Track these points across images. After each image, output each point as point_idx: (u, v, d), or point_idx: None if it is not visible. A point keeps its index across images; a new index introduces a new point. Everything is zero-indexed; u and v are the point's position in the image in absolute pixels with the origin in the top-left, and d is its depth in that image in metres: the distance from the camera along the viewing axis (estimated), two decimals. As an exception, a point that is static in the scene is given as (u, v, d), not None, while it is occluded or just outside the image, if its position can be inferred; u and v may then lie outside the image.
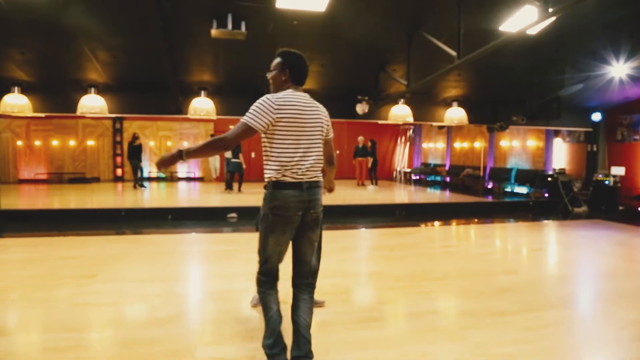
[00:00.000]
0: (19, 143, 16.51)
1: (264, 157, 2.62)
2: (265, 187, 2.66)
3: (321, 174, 2.73)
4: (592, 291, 4.77)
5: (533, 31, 6.47)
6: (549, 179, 12.10)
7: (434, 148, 19.83)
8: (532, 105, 10.18)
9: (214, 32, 5.95)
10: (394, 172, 20.84)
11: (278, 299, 2.76)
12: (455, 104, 10.10)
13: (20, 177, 16.51)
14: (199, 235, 7.40)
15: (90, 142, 17.06)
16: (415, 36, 6.77)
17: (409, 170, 20.10)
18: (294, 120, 2.55)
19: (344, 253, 6.04)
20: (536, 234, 7.90)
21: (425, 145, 20.61)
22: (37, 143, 16.67)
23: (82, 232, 7.25)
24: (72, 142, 16.92)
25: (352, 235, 7.55)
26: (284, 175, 2.54)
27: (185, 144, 17.61)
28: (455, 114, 10.05)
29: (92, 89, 8.09)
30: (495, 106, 10.72)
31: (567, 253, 6.50)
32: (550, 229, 8.60)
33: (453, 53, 5.67)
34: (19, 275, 4.76)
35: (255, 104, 2.53)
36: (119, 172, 17.19)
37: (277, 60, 2.72)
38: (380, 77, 8.44)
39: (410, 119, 9.58)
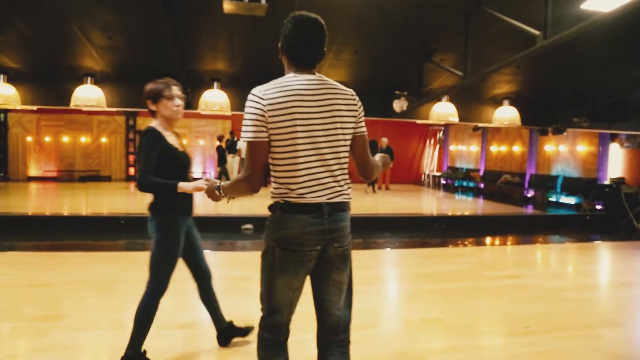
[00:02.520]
0: (29, 139, 15.82)
1: (270, 169, 1.90)
2: (270, 210, 1.91)
3: (349, 191, 1.94)
4: None
5: (608, 7, 5.07)
6: (607, 189, 10.63)
7: (465, 151, 18.40)
8: (597, 106, 8.74)
9: (227, 5, 4.74)
10: (422, 176, 19.50)
11: None
12: (506, 102, 8.73)
13: (29, 175, 15.83)
14: (209, 254, 6.20)
15: (103, 139, 16.26)
16: (474, 15, 5.47)
17: (438, 174, 18.75)
18: (294, 117, 1.80)
19: (383, 283, 4.79)
20: (615, 260, 6.51)
21: (453, 147, 19.20)
22: (47, 139, 15.96)
23: (72, 245, 6.17)
24: (83, 139, 16.15)
25: (385, 258, 6.28)
26: (293, 194, 1.82)
27: (202, 143, 16.66)
28: (506, 114, 8.68)
29: (89, 79, 6.99)
30: (552, 106, 9.30)
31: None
32: (627, 252, 7.16)
33: (536, 32, 4.36)
34: (-34, 314, 3.64)
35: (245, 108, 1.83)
36: (131, 171, 16.33)
37: None
38: (424, 68, 7.14)
39: (455, 119, 8.25)
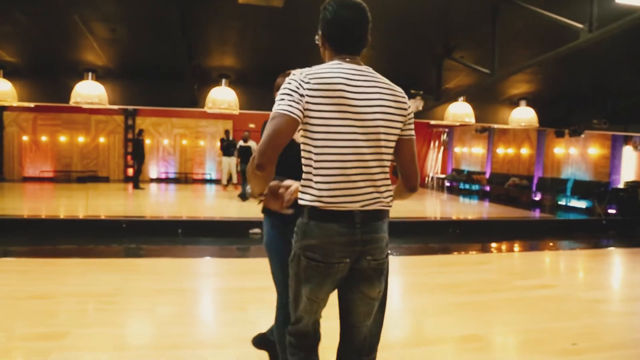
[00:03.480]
0: (25, 138, 15.42)
1: (303, 169, 1.71)
2: (299, 214, 1.73)
3: (389, 198, 1.75)
4: None
5: None
6: (622, 193, 10.33)
7: (469, 153, 18.08)
8: (617, 107, 8.43)
9: (242, -6, 4.42)
10: (426, 178, 19.19)
11: None
12: (523, 102, 8.40)
13: (25, 175, 15.42)
14: (215, 261, 5.85)
15: (101, 139, 15.86)
16: (501, 7, 5.13)
17: (442, 176, 18.45)
18: (329, 107, 1.60)
19: (410, 295, 4.44)
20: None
21: (457, 149, 18.90)
22: (44, 139, 15.56)
23: (70, 251, 5.78)
24: (81, 139, 15.75)
25: (410, 265, 5.91)
26: (322, 199, 1.63)
27: (202, 143, 16.28)
28: (523, 115, 8.36)
29: (90, 74, 6.60)
30: (570, 107, 8.98)
31: None
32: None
33: (579, 25, 4.02)
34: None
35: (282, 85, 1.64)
36: (130, 171, 15.93)
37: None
38: (443, 66, 6.80)
39: (471, 120, 7.92)
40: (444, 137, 19.12)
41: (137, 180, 13.21)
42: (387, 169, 1.74)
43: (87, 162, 15.93)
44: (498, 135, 16.20)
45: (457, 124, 8.68)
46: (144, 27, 5.62)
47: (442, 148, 19.21)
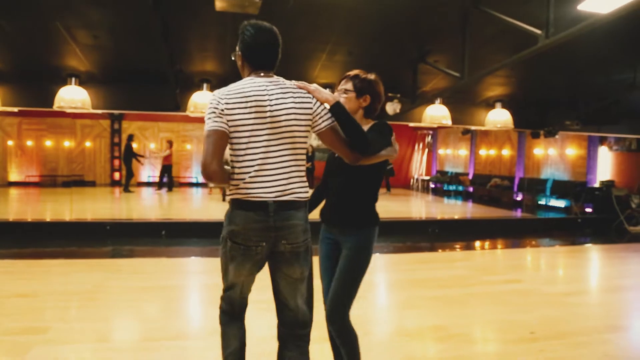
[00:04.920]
0: (10, 143, 15.40)
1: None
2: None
3: (303, 190, 2.00)
4: None
5: (605, 9, 5.05)
6: (597, 192, 10.65)
7: (453, 155, 18.39)
8: (589, 109, 8.74)
9: (219, 2, 4.58)
10: (411, 180, 19.46)
11: (241, 336, 2.15)
12: (498, 104, 8.67)
13: (10, 180, 15.41)
14: (198, 260, 6.01)
15: (87, 144, 15.89)
16: (470, 15, 5.37)
17: (427, 178, 18.72)
18: (246, 116, 1.91)
19: (382, 290, 4.64)
20: (611, 263, 6.46)
21: (442, 151, 19.21)
22: (29, 143, 15.55)
23: (54, 252, 5.90)
24: (67, 143, 15.77)
25: (386, 263, 6.12)
26: (240, 191, 1.95)
27: (188, 147, 16.40)
28: (499, 117, 8.63)
29: (73, 79, 6.73)
30: (544, 109, 9.28)
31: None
32: (622, 255, 7.12)
33: (537, 32, 4.27)
34: (-61, 328, 3.38)
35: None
36: (116, 175, 16.00)
37: None
38: (419, 70, 7.03)
39: (448, 122, 8.17)
40: (428, 139, 19.40)
41: (127, 184, 13.31)
42: (299, 163, 2.00)
43: (74, 167, 15.95)
44: (480, 137, 16.51)
45: (435, 125, 8.91)
46: (126, 33, 5.77)
47: (426, 150, 19.49)
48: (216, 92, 1.97)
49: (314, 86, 2.05)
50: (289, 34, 5.92)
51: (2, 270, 5.02)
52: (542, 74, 7.71)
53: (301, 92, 2.01)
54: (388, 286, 4.99)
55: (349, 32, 5.91)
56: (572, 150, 12.67)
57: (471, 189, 15.99)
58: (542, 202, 13.04)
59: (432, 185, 18.17)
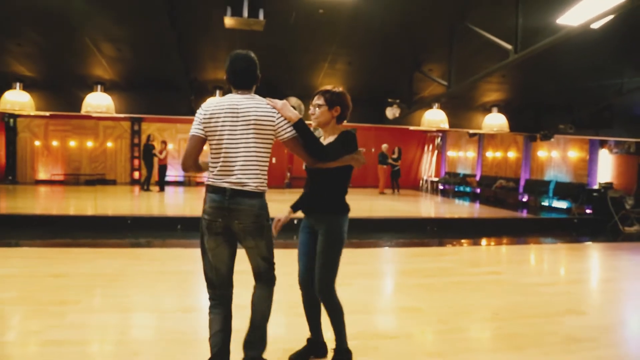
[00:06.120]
0: (37, 143, 16.26)
1: None
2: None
3: (254, 182, 2.52)
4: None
5: (596, 25, 5.56)
6: (595, 194, 10.99)
7: (463, 157, 18.77)
8: (582, 113, 9.13)
9: (227, 21, 5.19)
10: (420, 181, 19.87)
11: (222, 323, 2.62)
12: (495, 109, 9.13)
13: (37, 178, 16.26)
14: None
15: (109, 144, 16.70)
16: (459, 30, 5.88)
17: (436, 179, 19.11)
18: (219, 123, 2.49)
19: (369, 279, 5.17)
20: (593, 259, 6.89)
21: (451, 153, 19.57)
22: (55, 143, 16.39)
23: (81, 242, 6.58)
24: (89, 143, 16.58)
25: (376, 256, 6.66)
26: (211, 179, 2.55)
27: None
28: (495, 121, 9.09)
29: (99, 87, 7.43)
30: (539, 113, 9.70)
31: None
32: (607, 252, 7.53)
33: (508, 47, 4.77)
34: (-10, 299, 4.05)
35: None
36: (136, 174, 16.74)
37: None
38: (414, 78, 7.55)
39: (445, 125, 8.66)
40: (437, 141, 19.78)
41: (147, 184, 13.96)
42: (260, 163, 2.52)
43: (96, 166, 16.74)
44: (487, 140, 16.86)
45: (434, 129, 9.39)
46: (146, 47, 6.44)
47: (435, 152, 19.87)
48: (204, 104, 2.59)
49: (281, 104, 2.58)
50: (292, 46, 6.57)
51: (38, 256, 5.71)
52: (535, 80, 8.16)
53: (267, 107, 2.55)
54: (377, 275, 5.53)
55: (347, 44, 6.47)
56: (574, 153, 12.98)
57: (478, 190, 16.37)
58: (545, 203, 13.37)
59: (441, 187, 18.56)
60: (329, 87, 2.89)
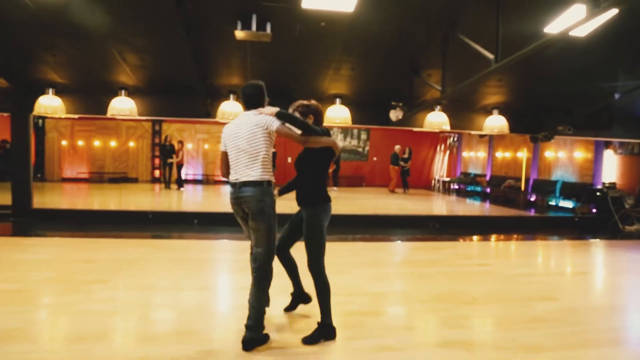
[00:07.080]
0: (64, 143, 17.12)
1: None
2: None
3: (254, 174, 3.19)
4: (644, 326, 4.22)
5: (582, 32, 5.96)
6: (598, 193, 11.26)
7: (475, 157, 19.07)
8: (580, 115, 9.45)
9: (238, 34, 5.77)
10: (433, 181, 20.21)
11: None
12: (495, 111, 9.51)
13: (64, 176, 17.11)
14: (223, 242, 7.22)
15: (131, 144, 17.48)
16: (451, 38, 6.34)
17: (448, 179, 19.43)
18: (231, 135, 3.30)
19: (367, 268, 5.68)
20: (582, 255, 7.26)
21: (465, 154, 19.86)
22: (80, 143, 17.23)
23: (106, 234, 7.24)
24: (113, 143, 17.38)
25: (378, 249, 7.17)
26: (229, 178, 3.35)
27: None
28: (496, 123, 9.47)
29: (123, 91, 8.11)
30: (539, 115, 10.05)
31: (616, 279, 5.87)
32: (597, 249, 7.90)
33: (490, 56, 5.22)
34: (31, 278, 4.70)
35: None
36: (156, 173, 17.48)
37: None
38: (414, 83, 8.02)
39: (447, 127, 9.09)
40: (450, 141, 20.08)
41: (168, 182, 14.66)
42: (260, 160, 3.21)
43: (118, 164, 17.55)
44: (497, 140, 17.15)
45: (437, 130, 9.81)
46: (166, 56, 7.07)
47: (447, 152, 20.17)
48: (225, 127, 3.41)
49: (266, 109, 3.29)
50: (298, 55, 7.15)
51: (69, 245, 6.40)
52: (533, 84, 8.54)
53: (258, 116, 3.26)
54: (374, 265, 6.02)
55: (349, 52, 6.98)
56: (580, 154, 13.23)
57: (488, 190, 16.68)
58: (553, 202, 13.64)
59: (455, 187, 18.88)
60: (304, 102, 3.59)
